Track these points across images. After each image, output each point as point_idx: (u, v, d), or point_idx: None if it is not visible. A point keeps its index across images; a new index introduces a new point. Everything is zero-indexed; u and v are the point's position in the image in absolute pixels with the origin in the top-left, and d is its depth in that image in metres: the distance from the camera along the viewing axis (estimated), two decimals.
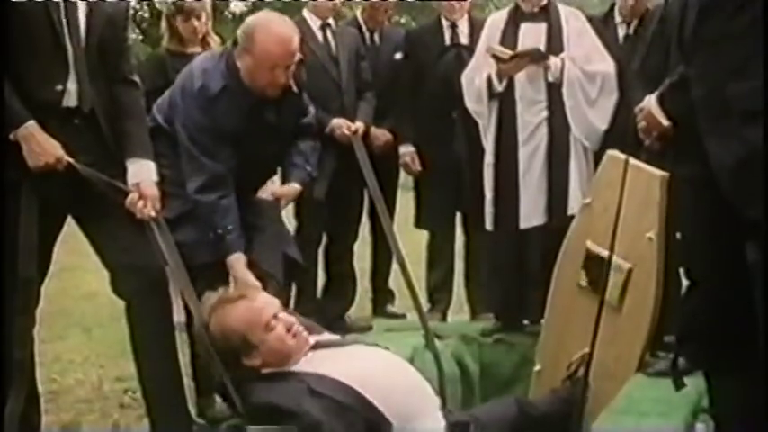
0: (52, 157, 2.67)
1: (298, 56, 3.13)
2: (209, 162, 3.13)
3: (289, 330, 2.59)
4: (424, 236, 4.77)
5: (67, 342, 4.74)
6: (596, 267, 2.96)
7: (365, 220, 4.67)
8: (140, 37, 12.97)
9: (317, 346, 2.66)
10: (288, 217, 3.71)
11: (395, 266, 4.09)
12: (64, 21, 2.71)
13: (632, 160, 2.72)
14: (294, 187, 3.39)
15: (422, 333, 3.65)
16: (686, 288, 2.62)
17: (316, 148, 3.50)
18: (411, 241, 4.66)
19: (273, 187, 3.33)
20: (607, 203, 2.92)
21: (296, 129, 3.40)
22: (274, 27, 3.08)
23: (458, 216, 4.63)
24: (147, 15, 12.84)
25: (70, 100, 2.76)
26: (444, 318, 4.58)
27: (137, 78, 2.99)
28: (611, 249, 2.68)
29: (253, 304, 2.64)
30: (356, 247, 4.72)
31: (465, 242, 4.68)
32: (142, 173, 2.87)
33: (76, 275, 5.62)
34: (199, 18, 4.43)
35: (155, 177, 2.91)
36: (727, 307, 2.18)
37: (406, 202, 4.78)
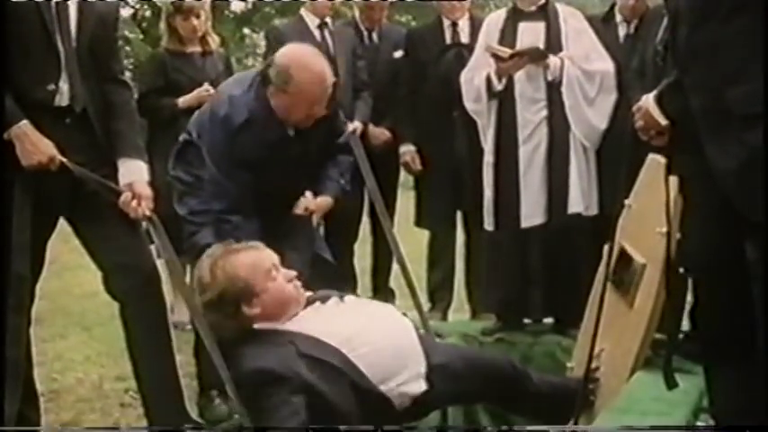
0: (45, 156, 2.68)
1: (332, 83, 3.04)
2: (232, 187, 3.11)
3: (289, 282, 2.64)
4: (424, 235, 4.76)
5: (68, 341, 4.72)
6: (624, 266, 2.97)
7: (365, 219, 4.67)
8: (141, 36, 12.94)
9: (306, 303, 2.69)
10: None
11: (395, 266, 4.08)
12: (55, 20, 2.71)
13: (662, 160, 2.69)
14: (326, 200, 3.33)
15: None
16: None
17: (351, 162, 3.45)
18: (412, 240, 4.65)
19: (306, 201, 3.27)
20: (642, 205, 2.93)
21: (329, 149, 3.34)
22: (311, 65, 2.99)
23: (458, 215, 4.63)
24: (147, 15, 12.80)
25: (62, 99, 2.76)
26: (445, 317, 4.58)
27: (127, 78, 3.00)
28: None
29: (258, 252, 2.67)
30: (356, 246, 4.72)
31: (465, 241, 4.67)
32: (134, 172, 2.86)
33: (77, 274, 5.61)
34: (198, 17, 4.44)
35: (147, 177, 2.90)
36: (726, 304, 2.17)
37: (406, 201, 4.78)
